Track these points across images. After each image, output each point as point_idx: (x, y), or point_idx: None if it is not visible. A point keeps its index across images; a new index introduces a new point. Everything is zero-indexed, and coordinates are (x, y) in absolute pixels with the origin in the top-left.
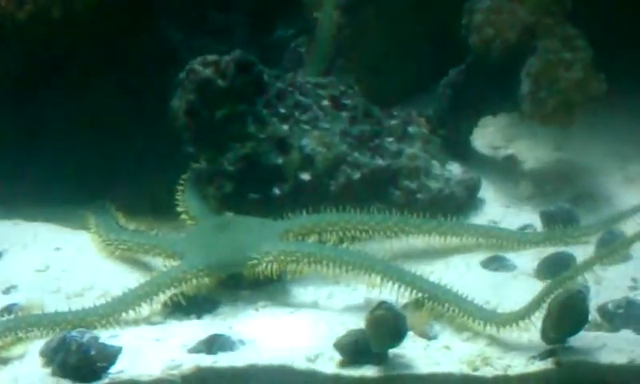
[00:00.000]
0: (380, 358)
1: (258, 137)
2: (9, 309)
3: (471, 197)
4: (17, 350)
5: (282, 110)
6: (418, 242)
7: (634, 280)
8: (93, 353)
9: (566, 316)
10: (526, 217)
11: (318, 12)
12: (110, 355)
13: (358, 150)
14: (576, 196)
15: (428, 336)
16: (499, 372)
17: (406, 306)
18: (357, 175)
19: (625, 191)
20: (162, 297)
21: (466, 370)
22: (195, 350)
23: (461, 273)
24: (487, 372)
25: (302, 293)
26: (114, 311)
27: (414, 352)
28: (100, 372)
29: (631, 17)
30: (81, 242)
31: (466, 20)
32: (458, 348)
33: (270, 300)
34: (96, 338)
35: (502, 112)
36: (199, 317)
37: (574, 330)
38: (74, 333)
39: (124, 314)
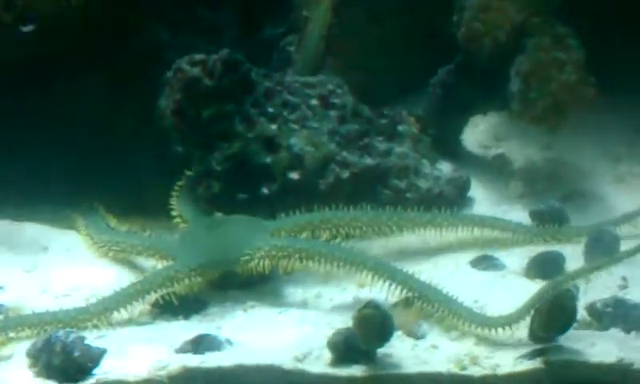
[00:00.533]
0: (369, 357)
1: (246, 136)
2: None
3: (461, 196)
4: (5, 351)
5: (271, 110)
6: (407, 240)
7: (623, 279)
8: (77, 354)
9: (555, 315)
10: (516, 215)
11: (307, 11)
12: (94, 356)
13: (347, 149)
14: (566, 195)
15: (416, 335)
16: (487, 371)
17: (394, 305)
18: (346, 174)
19: (615, 190)
20: (155, 296)
21: (454, 369)
22: (182, 350)
23: (450, 272)
24: (475, 371)
25: (291, 293)
26: (105, 310)
27: (402, 351)
28: (84, 373)
29: (620, 15)
30: (69, 242)
31: (456, 18)
32: (446, 347)
33: (258, 300)
34: (82, 339)
35: (492, 111)
36: (187, 317)
37: (563, 329)
38: (59, 333)
39: (116, 313)
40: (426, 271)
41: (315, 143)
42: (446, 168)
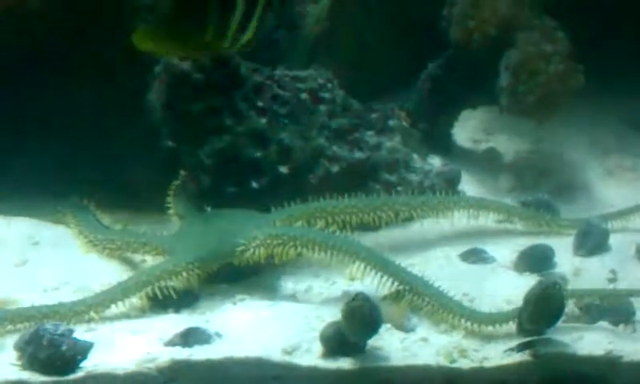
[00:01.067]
0: (358, 350)
1: (236, 130)
2: None
3: (451, 189)
4: None
5: (260, 104)
6: (398, 234)
7: (612, 272)
8: (64, 348)
9: (543, 308)
10: None
11: (298, 5)
12: (81, 350)
13: (337, 143)
14: (556, 188)
15: (406, 329)
16: (476, 364)
17: (384, 298)
18: (335, 168)
19: (605, 184)
20: (152, 290)
21: (443, 362)
22: (171, 343)
23: (440, 265)
24: (464, 364)
25: (281, 287)
26: (103, 303)
27: (392, 344)
28: (71, 366)
29: (610, 9)
30: (59, 236)
31: (446, 12)
32: (435, 340)
33: (248, 294)
34: (70, 332)
35: (482, 105)
36: (177, 311)
37: (551, 322)
38: (48, 325)
39: (113, 306)
40: (417, 264)
41: (305, 137)
42: (436, 162)
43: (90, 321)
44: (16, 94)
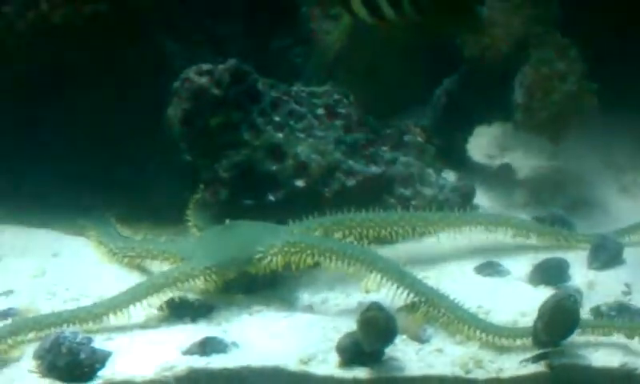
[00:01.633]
0: (375, 360)
1: (253, 144)
2: (6, 313)
3: (466, 203)
4: (15, 353)
5: (277, 119)
6: (413, 247)
7: (627, 285)
8: (82, 356)
9: (558, 319)
10: None
11: (313, 23)
12: (99, 359)
13: (353, 157)
14: (571, 204)
15: (421, 339)
16: (492, 375)
17: (399, 309)
18: (351, 182)
19: (619, 200)
20: (170, 292)
21: (459, 372)
22: (189, 352)
23: (455, 278)
24: (480, 374)
25: (297, 298)
26: (121, 304)
27: (407, 355)
28: (89, 374)
29: (623, 26)
30: (78, 248)
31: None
32: (450, 351)
33: (264, 305)
34: (89, 340)
35: (497, 121)
36: (194, 321)
37: (566, 334)
38: (67, 333)
39: (131, 307)
40: (432, 277)
41: (321, 151)
42: (451, 177)
43: (107, 322)
44: (39, 106)
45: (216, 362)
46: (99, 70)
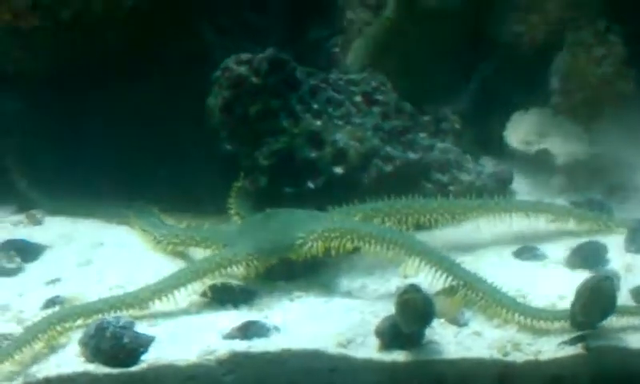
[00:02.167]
0: (413, 343)
1: (292, 132)
2: (53, 301)
3: (503, 189)
4: (61, 339)
5: (315, 106)
6: (450, 234)
7: None
8: (126, 340)
9: (595, 301)
10: None
11: (350, 13)
12: (142, 343)
13: (390, 144)
14: (608, 189)
15: (459, 323)
16: (530, 357)
17: (437, 293)
18: (389, 168)
19: None
20: (213, 278)
21: (497, 355)
22: (230, 336)
23: (492, 262)
24: (518, 357)
25: (336, 284)
26: (166, 289)
27: (446, 338)
28: (133, 358)
29: None
30: (122, 237)
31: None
32: (488, 334)
33: (304, 291)
34: (131, 324)
35: (534, 106)
36: (236, 306)
37: (603, 315)
38: (110, 318)
39: (176, 292)
40: (470, 262)
41: (359, 138)
42: (488, 163)
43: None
44: (82, 98)
45: (257, 345)
46: (141, 61)
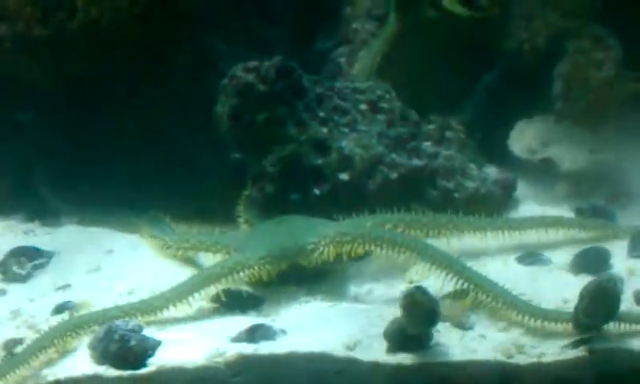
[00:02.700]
0: (420, 346)
1: (299, 139)
2: (63, 306)
3: (508, 196)
4: (73, 343)
5: (322, 114)
6: (454, 242)
7: None
8: (133, 343)
9: (599, 302)
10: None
11: (356, 23)
12: (149, 347)
13: (395, 151)
14: (611, 195)
15: (464, 327)
16: (533, 359)
17: (443, 297)
18: (394, 175)
19: None
20: (225, 283)
21: (501, 357)
22: (238, 339)
23: (497, 268)
24: (521, 360)
25: (343, 289)
26: (180, 295)
27: (451, 341)
28: (139, 361)
29: None
30: (132, 244)
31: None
32: (493, 337)
33: (311, 296)
34: (140, 328)
35: (538, 114)
36: (243, 312)
37: (607, 317)
38: (119, 322)
39: (190, 298)
40: (474, 266)
41: (364, 145)
42: (492, 171)
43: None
44: (90, 107)
45: (264, 348)
46: (149, 71)
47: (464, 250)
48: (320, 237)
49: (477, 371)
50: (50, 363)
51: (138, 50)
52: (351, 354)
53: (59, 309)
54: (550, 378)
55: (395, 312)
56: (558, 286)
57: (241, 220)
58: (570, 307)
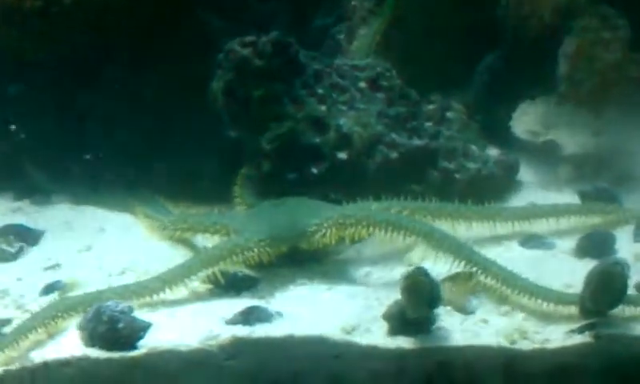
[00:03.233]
0: (422, 329)
1: (295, 116)
2: (53, 286)
3: (510, 178)
4: (63, 325)
5: (320, 91)
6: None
7: None
8: (121, 325)
9: (605, 287)
10: (567, 199)
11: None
12: (137, 329)
13: (395, 130)
14: (616, 178)
15: (466, 311)
16: (537, 345)
17: (443, 280)
18: (394, 155)
19: None
20: (225, 265)
21: (504, 342)
22: (233, 321)
23: (499, 252)
24: (525, 345)
25: (340, 272)
26: (178, 278)
27: (452, 325)
28: (128, 344)
29: None
30: (124, 224)
31: (504, 1)
32: (495, 322)
33: (308, 279)
34: (130, 309)
35: (540, 95)
36: (238, 293)
37: (613, 302)
38: (109, 303)
39: (187, 281)
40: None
41: (363, 124)
42: (494, 153)
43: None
44: (85, 85)
45: (260, 330)
46: (144, 48)
47: (466, 233)
48: (322, 218)
49: (478, 356)
50: (38, 344)
51: (132, 27)
52: (349, 337)
53: (48, 288)
54: (555, 364)
55: (394, 295)
56: (562, 271)
57: (237, 200)
58: (574, 292)
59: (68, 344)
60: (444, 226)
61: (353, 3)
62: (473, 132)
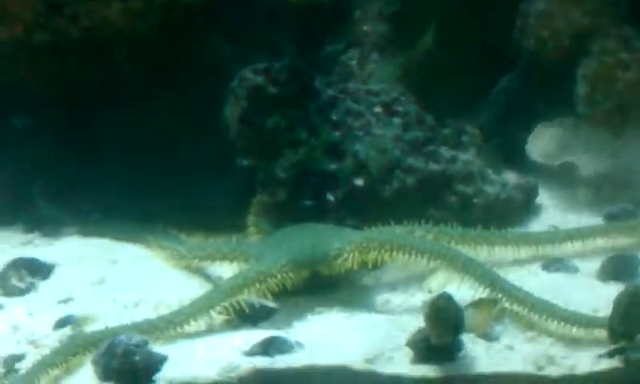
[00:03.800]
0: (446, 357)
1: (311, 143)
2: (65, 320)
3: (529, 201)
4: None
5: (334, 117)
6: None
7: None
8: (137, 358)
9: (635, 310)
10: (586, 221)
11: (366, 25)
12: (154, 362)
13: (412, 155)
14: (634, 201)
15: (490, 337)
16: (565, 371)
17: (467, 307)
18: (411, 180)
19: None
20: (248, 294)
21: (531, 369)
22: (252, 352)
23: (522, 275)
24: (553, 371)
25: (359, 300)
26: (203, 309)
27: (478, 352)
28: (144, 378)
29: None
30: (137, 255)
31: (519, 23)
32: (521, 348)
33: (326, 307)
34: (145, 343)
35: (557, 117)
36: (255, 324)
37: None
38: (122, 336)
39: (212, 312)
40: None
41: (380, 149)
42: (511, 176)
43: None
44: (95, 117)
45: (280, 362)
46: (155, 76)
47: (488, 257)
48: (345, 242)
49: None
50: (53, 380)
51: (142, 54)
52: (371, 366)
53: (61, 323)
54: None
55: (415, 322)
56: (587, 295)
57: (252, 229)
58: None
59: (82, 380)
60: (466, 250)
61: (364, 28)
62: (489, 156)
